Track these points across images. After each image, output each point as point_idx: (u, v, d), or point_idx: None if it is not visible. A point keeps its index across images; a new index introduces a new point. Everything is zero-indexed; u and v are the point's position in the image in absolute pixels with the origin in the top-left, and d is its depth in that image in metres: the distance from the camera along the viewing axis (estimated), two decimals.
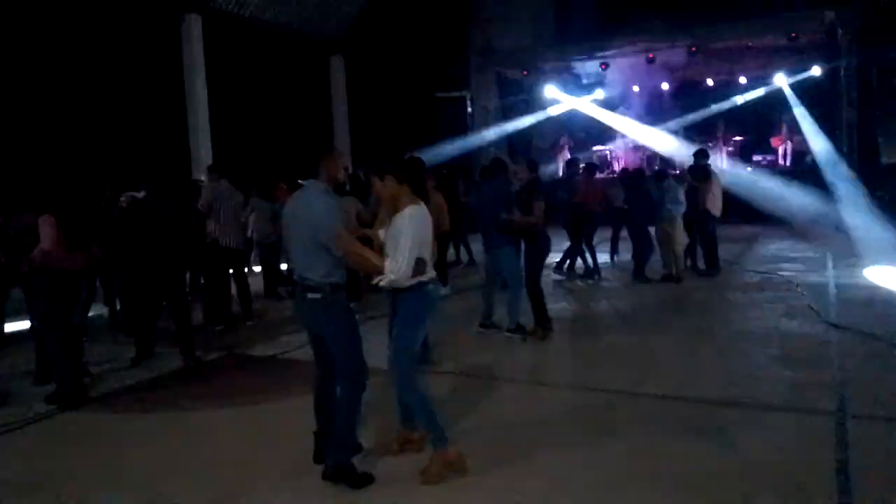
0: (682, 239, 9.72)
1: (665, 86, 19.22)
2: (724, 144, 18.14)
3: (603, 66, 18.50)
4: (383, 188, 3.89)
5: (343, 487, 3.80)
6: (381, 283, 3.79)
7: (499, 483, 3.83)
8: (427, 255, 3.89)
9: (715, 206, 9.92)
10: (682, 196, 9.64)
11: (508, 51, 19.02)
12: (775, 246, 12.78)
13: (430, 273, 3.97)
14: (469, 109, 20.06)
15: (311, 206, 3.82)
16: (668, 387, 5.34)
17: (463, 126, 19.76)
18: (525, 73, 19.81)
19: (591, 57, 18.22)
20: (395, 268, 3.71)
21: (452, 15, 18.55)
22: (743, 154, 18.34)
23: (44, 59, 12.20)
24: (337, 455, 3.88)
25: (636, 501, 3.59)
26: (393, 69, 18.72)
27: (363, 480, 3.86)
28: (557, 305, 7.14)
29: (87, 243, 5.77)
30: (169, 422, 5.13)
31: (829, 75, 16.22)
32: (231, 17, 15.04)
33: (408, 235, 3.73)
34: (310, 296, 3.84)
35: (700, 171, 10.07)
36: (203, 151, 14.25)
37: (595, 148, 19.85)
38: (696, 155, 10.46)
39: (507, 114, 19.69)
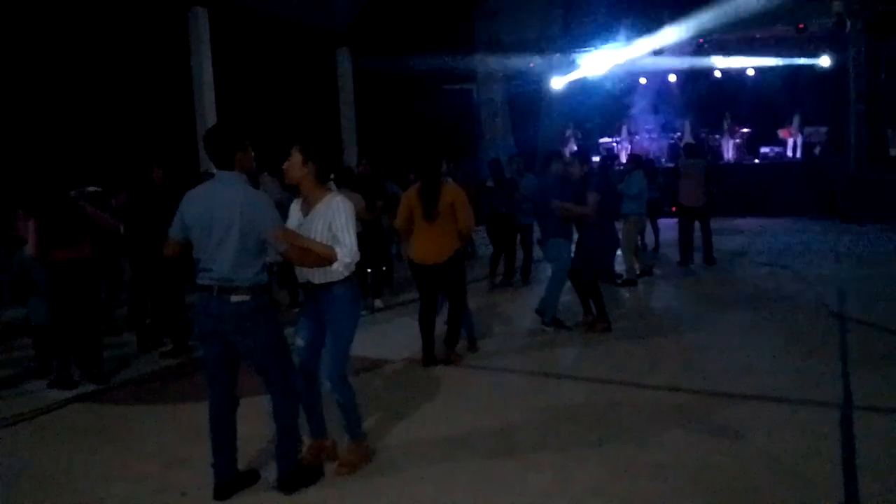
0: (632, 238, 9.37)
1: (672, 77, 19.14)
2: (732, 136, 18.07)
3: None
4: (295, 168, 3.76)
5: (353, 479, 3.84)
6: (338, 269, 3.69)
7: (503, 476, 3.86)
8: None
9: (685, 198, 10.13)
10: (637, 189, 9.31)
11: (515, 43, 18.96)
12: (782, 238, 12.75)
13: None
14: (476, 101, 20.01)
15: (247, 201, 3.47)
16: (674, 379, 5.36)
17: (469, 118, 19.73)
18: (532, 65, 19.76)
19: (597, 49, 18.15)
20: (348, 251, 3.64)
21: (459, 7, 18.50)
22: (751, 146, 18.27)
23: (48, 52, 12.23)
24: (287, 463, 3.75)
25: (640, 494, 3.61)
26: (399, 62, 18.69)
27: (315, 474, 3.85)
28: (566, 298, 7.16)
29: (76, 239, 5.76)
30: (178, 414, 5.17)
31: (838, 66, 16.12)
32: (238, 10, 15.04)
33: (346, 219, 3.67)
34: (234, 298, 3.46)
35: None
36: None
37: (601, 140, 19.79)
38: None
39: (514, 106, 19.64)
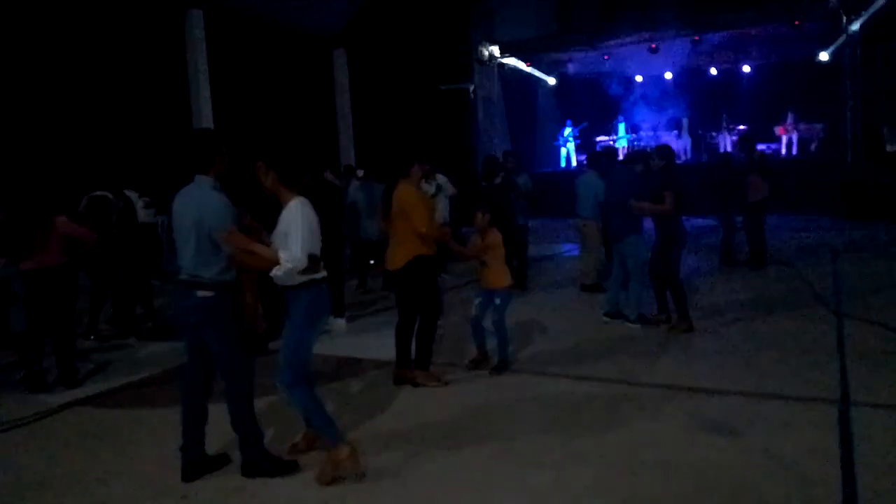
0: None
1: (668, 75, 19.17)
2: (728, 134, 18.12)
3: (606, 57, 18.50)
4: (265, 180, 3.87)
5: (350, 480, 3.83)
6: (278, 274, 3.71)
7: (504, 476, 3.87)
8: (318, 251, 3.83)
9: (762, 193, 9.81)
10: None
11: (511, 42, 18.97)
12: (778, 235, 12.74)
13: (323, 272, 3.89)
14: (472, 101, 19.99)
15: (203, 203, 3.75)
16: (671, 377, 5.37)
17: (466, 118, 19.71)
18: (528, 63, 19.76)
19: (593, 48, 18.17)
20: (290, 256, 3.65)
21: (455, 6, 18.48)
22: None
23: (43, 55, 12.21)
24: (248, 451, 3.98)
25: (640, 492, 3.61)
26: (396, 62, 18.68)
27: (286, 468, 3.97)
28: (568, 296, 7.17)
29: (40, 250, 5.75)
30: (176, 416, 5.13)
31: (833, 63, 16.13)
32: (233, 13, 15.02)
33: (299, 225, 3.68)
34: (199, 293, 3.77)
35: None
36: None
37: (598, 138, 19.79)
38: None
39: (511, 105, 19.65)
